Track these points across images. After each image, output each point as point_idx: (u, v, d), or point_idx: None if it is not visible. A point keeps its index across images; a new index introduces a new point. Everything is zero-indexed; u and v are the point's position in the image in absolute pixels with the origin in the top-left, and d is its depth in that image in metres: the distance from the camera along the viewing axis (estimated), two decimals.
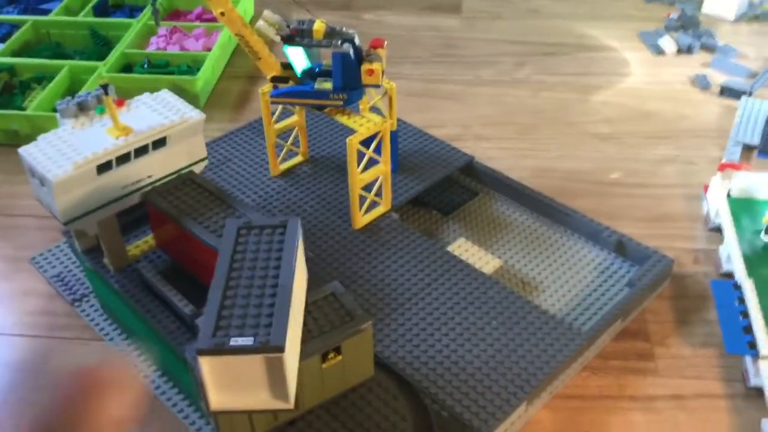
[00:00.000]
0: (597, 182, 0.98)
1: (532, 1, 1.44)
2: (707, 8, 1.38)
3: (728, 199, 0.88)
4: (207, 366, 0.52)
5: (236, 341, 0.51)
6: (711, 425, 0.69)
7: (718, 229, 0.88)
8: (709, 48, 1.25)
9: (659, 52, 1.26)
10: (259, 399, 0.54)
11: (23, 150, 0.70)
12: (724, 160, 0.97)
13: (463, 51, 1.29)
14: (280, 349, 0.51)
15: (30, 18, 1.27)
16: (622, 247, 0.84)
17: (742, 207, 0.87)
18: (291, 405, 0.54)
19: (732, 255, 0.81)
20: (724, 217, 0.85)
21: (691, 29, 1.29)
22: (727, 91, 1.13)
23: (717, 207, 0.88)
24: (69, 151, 0.68)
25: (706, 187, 0.93)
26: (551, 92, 1.17)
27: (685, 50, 1.25)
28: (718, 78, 1.18)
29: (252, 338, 0.51)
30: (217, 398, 0.54)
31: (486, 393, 0.66)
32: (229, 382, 0.53)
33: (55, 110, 1.06)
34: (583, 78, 1.21)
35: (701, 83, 1.16)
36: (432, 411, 0.65)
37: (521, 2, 1.44)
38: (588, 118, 1.11)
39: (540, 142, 1.06)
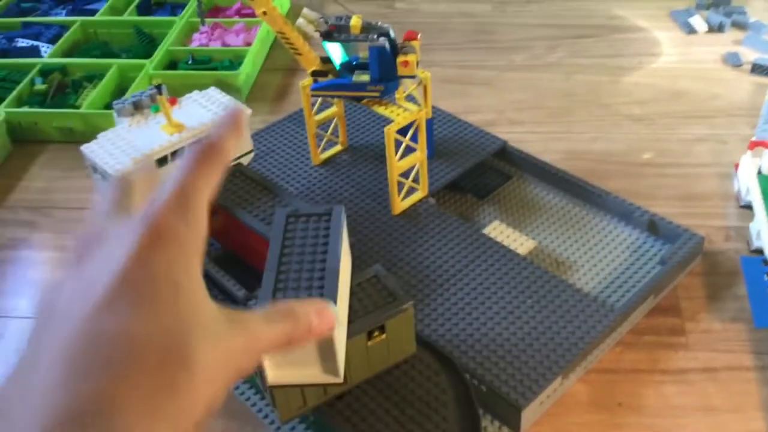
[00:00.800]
0: (629, 163, 1.01)
1: None
2: None
3: (759, 176, 0.90)
4: None
5: None
6: (741, 396, 0.72)
7: (749, 207, 0.90)
8: (740, 25, 1.26)
9: (690, 30, 1.27)
10: (311, 374, 0.59)
11: (85, 147, 0.75)
12: (754, 138, 0.99)
13: (495, 36, 1.31)
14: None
15: (78, 19, 1.33)
16: (654, 226, 0.86)
17: None
18: (340, 379, 0.59)
19: (762, 232, 0.83)
20: (754, 194, 0.87)
21: (722, 6, 1.30)
22: (758, 69, 1.14)
23: (747, 184, 0.90)
24: (128, 148, 0.73)
25: (736, 166, 0.95)
26: (583, 75, 1.19)
27: (716, 28, 1.26)
28: (750, 55, 1.19)
29: None
30: (273, 374, 0.58)
31: (523, 368, 0.70)
32: (283, 359, 0.58)
33: (107, 107, 1.12)
34: (614, 59, 1.22)
35: (733, 61, 1.17)
36: (471, 385, 0.69)
37: None
38: (620, 99, 1.13)
39: (572, 124, 1.09)
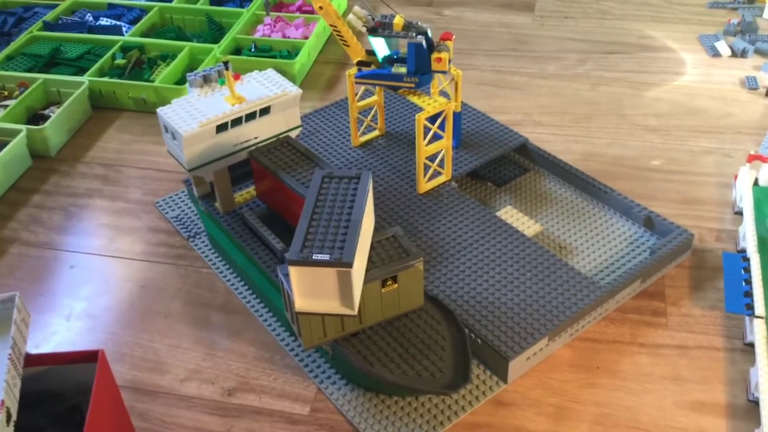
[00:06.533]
0: (639, 167, 1.10)
1: (600, 3, 1.56)
2: None
3: (754, 187, 0.99)
4: (295, 274, 0.69)
5: (317, 256, 0.68)
6: (708, 371, 0.81)
7: (742, 213, 0.99)
8: (763, 52, 1.34)
9: (715, 54, 1.35)
10: (332, 305, 0.71)
11: (160, 110, 0.88)
12: (753, 152, 1.07)
13: (531, 46, 1.42)
14: (349, 264, 0.67)
15: (156, 4, 1.48)
16: (650, 222, 0.96)
17: (767, 195, 0.98)
18: (355, 312, 0.71)
19: (747, 233, 0.92)
20: (745, 200, 0.96)
21: (749, 34, 1.38)
22: None
23: (742, 193, 0.99)
24: (195, 113, 0.87)
25: (735, 176, 1.04)
26: (608, 87, 1.29)
27: (739, 54, 1.34)
28: (767, 80, 1.27)
29: (329, 255, 0.68)
30: (300, 302, 0.71)
31: (514, 327, 0.81)
32: (310, 290, 0.70)
33: (177, 83, 1.26)
34: (639, 75, 1.32)
35: (750, 84, 1.26)
36: (468, 336, 0.80)
37: (590, 3, 1.56)
38: (639, 111, 1.23)
39: (591, 130, 1.19)
